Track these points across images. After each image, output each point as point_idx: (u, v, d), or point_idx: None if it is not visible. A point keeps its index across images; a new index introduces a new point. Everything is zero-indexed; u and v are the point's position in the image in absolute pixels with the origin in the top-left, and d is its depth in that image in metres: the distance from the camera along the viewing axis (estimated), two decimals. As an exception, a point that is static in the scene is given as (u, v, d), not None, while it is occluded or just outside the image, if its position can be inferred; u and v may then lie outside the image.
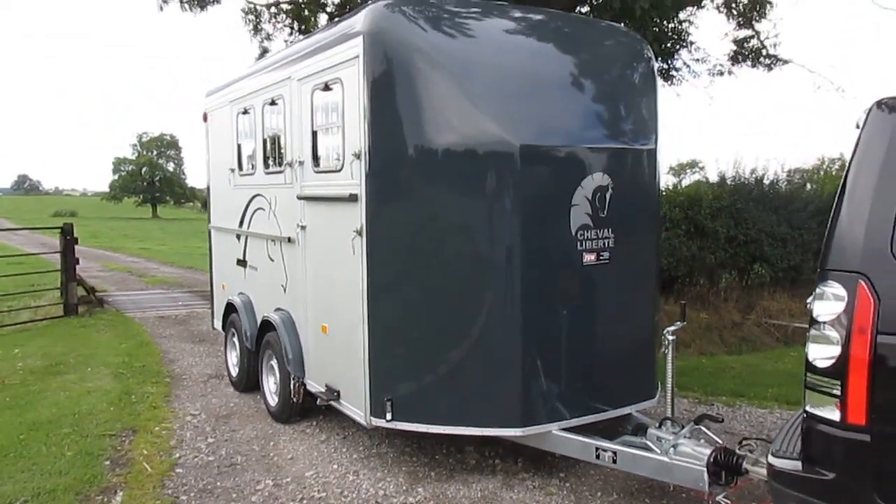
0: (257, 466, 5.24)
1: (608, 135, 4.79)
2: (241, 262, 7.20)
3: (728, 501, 3.96)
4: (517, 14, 4.94)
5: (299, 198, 5.67)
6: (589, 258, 4.66)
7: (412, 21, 4.63)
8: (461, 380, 4.66)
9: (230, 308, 7.38)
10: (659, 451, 4.26)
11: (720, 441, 4.23)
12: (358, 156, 4.75)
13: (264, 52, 12.86)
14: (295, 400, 5.95)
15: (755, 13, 11.67)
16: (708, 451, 4.02)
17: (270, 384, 6.36)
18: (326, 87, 5.19)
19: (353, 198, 4.85)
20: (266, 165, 6.45)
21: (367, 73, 4.66)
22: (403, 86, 4.62)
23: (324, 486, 4.84)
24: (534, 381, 4.58)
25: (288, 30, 13.14)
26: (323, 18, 12.86)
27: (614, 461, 4.33)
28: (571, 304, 4.67)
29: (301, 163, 5.64)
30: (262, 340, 6.44)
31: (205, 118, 8.16)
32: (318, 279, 5.52)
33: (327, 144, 5.35)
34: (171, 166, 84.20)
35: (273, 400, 6.27)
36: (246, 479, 5.01)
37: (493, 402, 4.61)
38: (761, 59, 12.17)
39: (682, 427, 4.35)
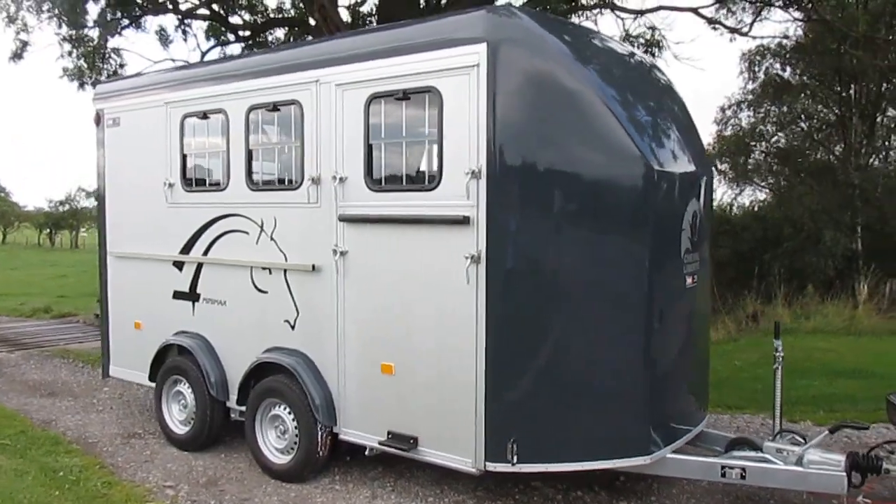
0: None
1: (698, 162, 4.95)
2: (187, 296, 6.01)
3: (868, 501, 4.32)
4: (611, 43, 4.91)
5: (342, 219, 4.93)
6: (690, 281, 4.76)
7: (542, 32, 4.35)
8: (587, 413, 4.43)
9: (170, 352, 6.11)
10: (782, 463, 4.49)
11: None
12: (475, 174, 4.30)
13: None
14: (321, 454, 5.13)
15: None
16: (838, 457, 4.36)
17: (272, 439, 5.39)
18: (403, 97, 4.61)
19: (462, 220, 4.37)
20: (251, 182, 5.49)
21: (492, 84, 4.25)
22: (536, 100, 4.30)
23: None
24: (654, 407, 4.54)
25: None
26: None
27: (743, 477, 4.46)
28: (679, 327, 4.74)
29: (342, 179, 4.92)
30: (253, 389, 5.43)
31: (99, 120, 6.68)
32: (376, 312, 4.84)
33: (401, 160, 4.76)
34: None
35: (278, 457, 5.32)
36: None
37: (619, 432, 4.46)
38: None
39: (804, 438, 4.65)
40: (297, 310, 5.26)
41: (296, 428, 5.20)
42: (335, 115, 4.96)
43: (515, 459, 4.34)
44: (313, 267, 5.10)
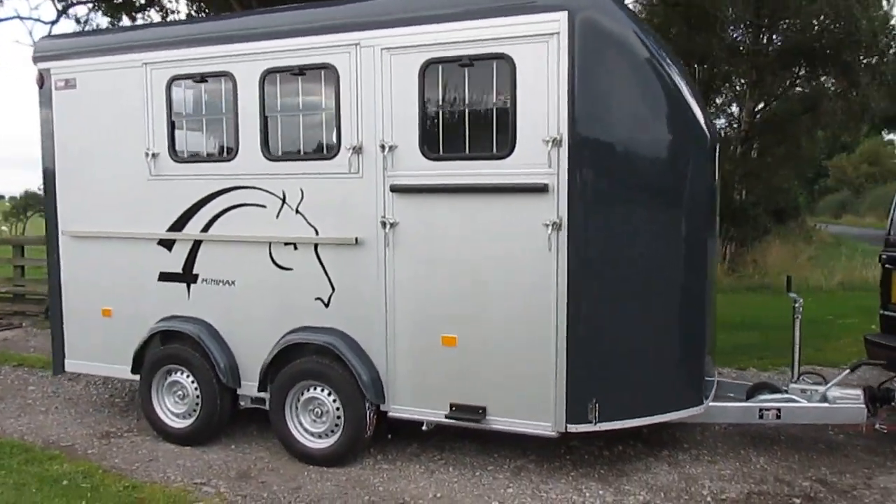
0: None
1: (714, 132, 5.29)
2: (179, 277, 5.47)
3: (884, 426, 4.97)
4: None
5: (393, 189, 4.74)
6: (713, 241, 5.15)
7: (616, 6, 4.44)
8: (655, 370, 4.67)
9: (152, 341, 5.53)
10: (807, 402, 5.04)
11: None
12: (556, 142, 4.34)
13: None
14: (368, 433, 4.96)
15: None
16: (856, 392, 4.98)
17: (306, 424, 5.10)
18: (468, 62, 4.51)
19: (542, 188, 4.39)
20: (268, 151, 5.09)
21: (572, 53, 4.29)
22: (614, 70, 4.39)
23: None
24: (704, 359, 4.90)
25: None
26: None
27: (778, 416, 4.95)
28: (712, 284, 5.11)
29: (391, 148, 4.72)
30: (281, 373, 5.09)
31: (42, 82, 5.82)
32: (435, 283, 4.72)
33: (462, 127, 4.64)
34: None
35: (315, 442, 5.06)
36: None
37: (679, 387, 4.78)
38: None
39: (824, 378, 5.23)
40: (332, 286, 5.00)
41: (337, 410, 4.98)
42: (381, 81, 4.73)
43: (597, 419, 4.49)
44: (356, 240, 4.87)
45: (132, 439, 5.60)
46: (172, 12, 13.11)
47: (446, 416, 4.76)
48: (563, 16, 4.29)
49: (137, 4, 13.50)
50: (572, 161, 4.35)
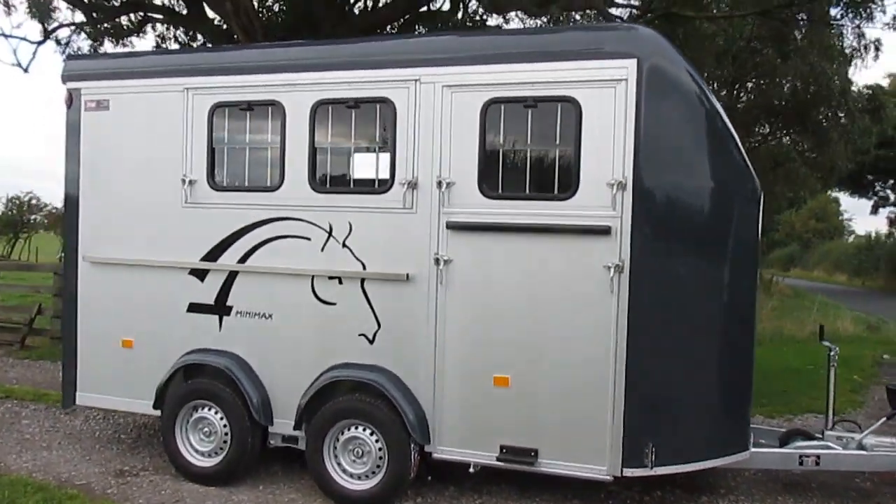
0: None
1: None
2: (211, 309, 5.29)
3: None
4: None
5: (449, 226, 4.70)
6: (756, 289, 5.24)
7: (677, 55, 4.55)
8: (708, 415, 4.70)
9: (186, 373, 5.32)
10: (842, 448, 5.11)
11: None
12: (620, 185, 4.38)
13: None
14: (412, 475, 4.82)
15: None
16: (891, 440, 5.07)
17: (345, 464, 4.93)
18: (532, 103, 4.55)
19: (604, 230, 4.41)
20: (316, 182, 5.01)
21: (639, 99, 4.36)
22: (678, 117, 4.49)
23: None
24: (750, 405, 4.94)
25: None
26: None
27: (817, 463, 5.00)
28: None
29: (448, 184, 4.70)
30: (321, 411, 4.93)
31: (71, 101, 5.64)
32: (489, 322, 4.67)
33: (524, 167, 4.66)
34: None
35: (354, 483, 4.89)
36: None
37: (729, 431, 4.79)
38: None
39: (859, 426, 5.31)
40: (378, 322, 4.89)
41: (380, 450, 4.83)
42: (440, 118, 4.73)
43: (653, 463, 4.46)
44: (407, 276, 4.80)
45: (150, 478, 5.32)
46: (166, 39, 12.92)
47: (497, 459, 4.67)
48: (632, 63, 4.37)
49: (126, 29, 13.28)
50: (637, 204, 4.39)
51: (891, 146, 27.15)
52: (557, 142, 4.60)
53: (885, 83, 24.74)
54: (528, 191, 4.68)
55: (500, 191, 4.68)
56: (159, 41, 13.06)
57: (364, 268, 4.92)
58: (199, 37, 12.37)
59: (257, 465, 5.32)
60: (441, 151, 4.73)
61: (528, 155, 4.72)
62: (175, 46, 13.20)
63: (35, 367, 9.20)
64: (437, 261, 4.74)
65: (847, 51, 14.91)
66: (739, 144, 4.73)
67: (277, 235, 5.11)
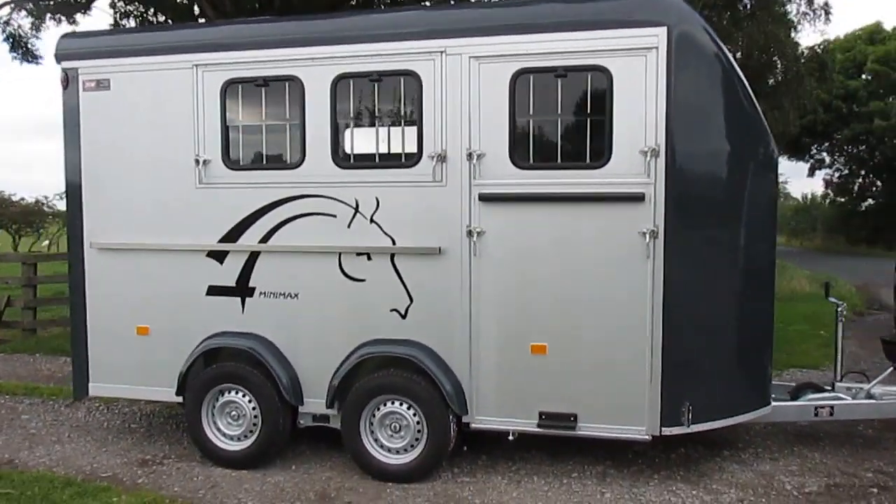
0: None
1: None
2: (233, 291, 5.18)
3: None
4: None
5: (481, 198, 4.70)
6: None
7: (702, 20, 4.63)
8: (737, 372, 4.86)
9: (207, 358, 5.21)
10: (852, 399, 5.37)
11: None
12: (654, 152, 4.45)
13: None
14: (451, 446, 4.87)
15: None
16: (896, 388, 5.37)
17: (383, 440, 4.94)
18: (563, 73, 4.56)
19: (638, 197, 4.49)
20: (339, 158, 4.93)
21: (670, 66, 4.42)
22: (706, 83, 4.59)
23: None
24: (771, 361, 5.14)
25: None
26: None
27: (831, 414, 5.24)
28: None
29: (479, 156, 4.70)
30: (356, 388, 4.92)
31: (67, 82, 5.39)
32: (524, 291, 4.71)
33: (554, 137, 4.68)
34: None
35: (393, 458, 4.91)
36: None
37: (754, 387, 4.98)
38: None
39: (867, 377, 5.58)
40: (410, 297, 4.88)
41: (418, 424, 4.86)
42: (468, 90, 4.70)
43: (690, 421, 4.61)
44: (440, 250, 4.79)
45: (176, 465, 5.22)
46: (126, 15, 12.32)
47: (538, 425, 4.75)
48: (662, 31, 4.43)
49: (73, 3, 12.65)
50: (670, 170, 4.47)
51: (828, 109, 28.22)
52: (589, 111, 4.63)
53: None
54: (560, 160, 4.72)
55: (531, 161, 4.70)
56: (116, 19, 12.44)
57: (394, 243, 4.89)
58: (160, 15, 11.86)
59: (286, 447, 5.28)
60: (470, 123, 4.71)
61: (559, 124, 4.75)
62: (133, 24, 12.65)
63: (13, 360, 8.86)
64: (469, 233, 4.74)
65: (795, 18, 15.39)
66: (758, 106, 4.86)
67: (300, 213, 5.03)
